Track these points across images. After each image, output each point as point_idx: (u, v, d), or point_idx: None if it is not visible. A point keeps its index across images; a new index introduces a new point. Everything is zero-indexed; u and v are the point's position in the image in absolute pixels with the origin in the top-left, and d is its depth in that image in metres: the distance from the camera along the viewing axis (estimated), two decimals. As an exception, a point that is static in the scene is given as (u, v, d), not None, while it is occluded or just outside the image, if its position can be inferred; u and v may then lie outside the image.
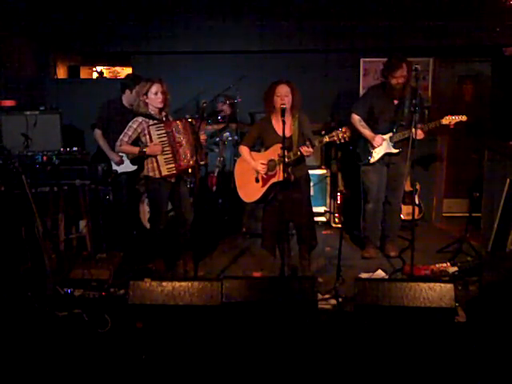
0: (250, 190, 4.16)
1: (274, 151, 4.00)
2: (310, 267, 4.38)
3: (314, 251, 4.46)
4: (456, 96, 6.54)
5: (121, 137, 4.16)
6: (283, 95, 3.94)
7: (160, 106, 4.17)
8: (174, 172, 4.17)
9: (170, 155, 4.15)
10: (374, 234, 4.91)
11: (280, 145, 3.84)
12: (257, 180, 4.11)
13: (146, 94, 4.13)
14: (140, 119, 4.15)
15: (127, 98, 4.89)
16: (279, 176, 3.90)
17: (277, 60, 6.25)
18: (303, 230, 4.23)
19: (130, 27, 6.22)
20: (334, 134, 3.76)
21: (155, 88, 4.11)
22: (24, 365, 3.00)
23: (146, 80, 4.17)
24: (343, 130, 3.72)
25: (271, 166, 4.03)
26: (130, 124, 4.16)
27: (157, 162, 4.13)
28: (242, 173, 4.25)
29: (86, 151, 4.88)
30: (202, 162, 4.32)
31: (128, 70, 6.87)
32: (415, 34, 6.07)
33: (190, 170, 4.20)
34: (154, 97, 4.12)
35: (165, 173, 4.15)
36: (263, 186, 4.08)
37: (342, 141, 3.74)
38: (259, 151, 4.35)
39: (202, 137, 4.33)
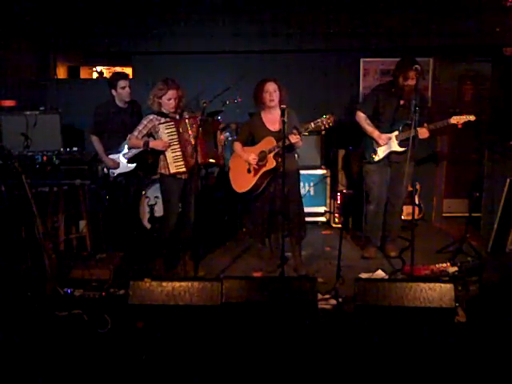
0: (242, 181, 4.42)
1: (265, 143, 4.27)
2: (300, 258, 4.53)
3: (314, 251, 4.66)
4: (456, 96, 6.54)
5: (133, 132, 4.28)
6: (272, 91, 4.24)
7: (172, 110, 4.25)
8: (183, 169, 4.21)
9: (179, 153, 4.20)
10: (375, 235, 4.90)
11: (270, 137, 4.19)
12: (249, 171, 4.35)
13: (160, 97, 4.19)
14: (151, 116, 4.26)
15: (117, 97, 4.88)
16: (269, 165, 4.20)
17: (277, 60, 6.25)
18: (292, 222, 4.38)
19: (130, 27, 6.22)
20: (318, 120, 4.01)
21: (170, 94, 4.18)
22: (24, 365, 3.00)
23: (163, 82, 4.19)
24: (327, 117, 3.97)
25: (262, 156, 4.26)
26: (142, 120, 4.30)
27: (166, 159, 4.20)
28: (235, 167, 4.52)
29: (86, 151, 4.88)
30: (214, 161, 4.33)
31: (128, 70, 6.86)
32: (415, 34, 6.07)
33: (200, 167, 4.25)
34: (168, 102, 4.20)
35: (173, 170, 4.21)
36: (255, 175, 4.32)
37: (327, 126, 3.99)
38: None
39: (221, 136, 4.44)
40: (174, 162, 4.20)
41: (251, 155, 4.28)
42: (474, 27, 5.96)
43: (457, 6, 5.93)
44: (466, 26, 5.98)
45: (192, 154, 4.16)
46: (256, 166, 4.29)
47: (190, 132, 4.20)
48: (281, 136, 4.02)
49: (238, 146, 4.46)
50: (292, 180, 4.32)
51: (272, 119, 4.29)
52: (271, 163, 4.18)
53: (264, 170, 4.25)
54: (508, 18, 5.86)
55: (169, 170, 4.21)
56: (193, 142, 4.14)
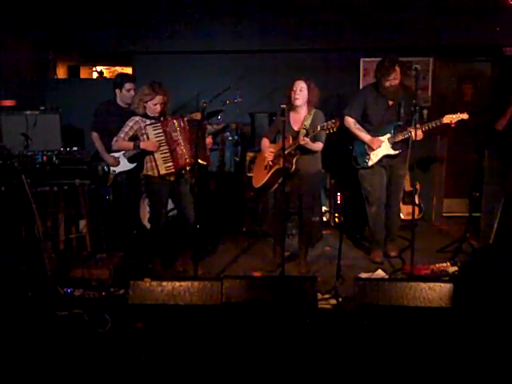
0: (258, 176, 4.50)
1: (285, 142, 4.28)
2: (305, 258, 4.53)
3: (314, 251, 4.67)
4: (456, 96, 6.54)
5: (118, 134, 4.25)
6: (297, 90, 4.23)
7: (157, 115, 4.25)
8: (173, 170, 4.21)
9: (168, 154, 4.19)
10: (379, 237, 4.84)
11: (289, 136, 4.20)
12: (265, 167, 4.41)
13: (146, 102, 4.19)
14: (137, 118, 4.24)
15: (120, 97, 4.90)
16: (281, 164, 4.18)
17: (277, 60, 6.25)
18: (304, 224, 4.40)
19: (130, 27, 6.23)
20: (325, 124, 4.03)
21: (157, 100, 4.18)
22: (24, 365, 3.00)
23: (150, 87, 4.18)
24: (333, 121, 3.98)
25: (277, 154, 4.29)
26: (127, 122, 4.26)
27: (155, 160, 4.19)
28: (258, 162, 4.62)
29: (86, 151, 4.88)
30: (203, 162, 4.33)
31: (128, 70, 6.87)
32: (415, 34, 6.07)
33: (188, 168, 4.23)
34: (153, 107, 4.20)
35: (163, 171, 4.19)
36: (268, 172, 4.36)
37: (332, 130, 3.99)
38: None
39: (208, 140, 4.40)
40: (163, 164, 4.18)
41: (268, 151, 4.34)
42: (474, 27, 5.96)
43: (457, 6, 5.93)
44: (466, 26, 5.98)
45: (180, 155, 4.17)
46: (271, 163, 4.34)
47: (177, 132, 4.21)
48: (298, 136, 4.10)
49: (264, 141, 4.49)
50: (308, 181, 4.31)
51: (297, 118, 4.31)
52: (281, 162, 4.16)
53: (276, 167, 4.28)
54: (508, 18, 5.86)
55: (158, 172, 4.19)
56: (181, 143, 4.15)
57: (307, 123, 4.22)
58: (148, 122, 4.20)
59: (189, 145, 4.20)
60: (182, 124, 4.23)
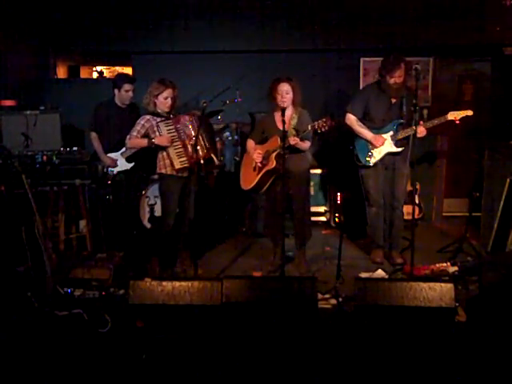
0: (247, 178, 4.46)
1: (270, 143, 4.29)
2: (304, 258, 4.55)
3: (314, 251, 4.70)
4: (456, 96, 6.54)
5: (130, 132, 4.27)
6: (284, 93, 4.20)
7: (167, 110, 4.26)
8: (187, 165, 4.23)
9: (181, 149, 4.22)
10: (378, 235, 4.83)
11: (276, 137, 4.19)
12: (254, 169, 4.38)
13: (156, 95, 4.20)
14: (148, 116, 4.27)
15: (118, 97, 4.91)
16: (270, 165, 4.21)
17: (277, 60, 6.25)
18: (297, 224, 4.45)
19: (130, 27, 6.23)
20: (315, 123, 4.03)
21: (166, 93, 4.20)
22: (24, 365, 3.00)
23: (160, 82, 4.22)
24: (324, 120, 3.96)
25: (266, 155, 4.29)
26: (138, 121, 4.30)
27: (169, 156, 4.22)
28: (245, 163, 4.57)
29: (86, 151, 4.89)
30: (214, 157, 4.37)
31: (128, 70, 6.87)
32: (415, 34, 6.07)
33: (202, 161, 4.24)
34: (164, 101, 4.22)
35: (178, 166, 4.21)
36: (258, 174, 4.34)
37: (322, 130, 3.98)
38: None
39: (219, 145, 4.46)
40: (178, 158, 4.21)
41: (255, 153, 4.32)
42: (474, 27, 5.97)
43: (457, 6, 5.93)
44: (465, 26, 5.99)
45: (193, 150, 4.19)
46: (260, 165, 4.32)
47: (190, 128, 4.23)
48: (286, 136, 4.04)
49: (250, 142, 4.48)
50: (298, 181, 4.33)
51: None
52: (271, 163, 4.20)
53: (266, 169, 4.26)
54: (508, 18, 5.86)
55: (173, 167, 4.21)
56: (193, 138, 4.17)
57: (294, 122, 4.23)
58: (159, 119, 4.23)
59: (201, 139, 4.22)
60: (193, 119, 4.25)
